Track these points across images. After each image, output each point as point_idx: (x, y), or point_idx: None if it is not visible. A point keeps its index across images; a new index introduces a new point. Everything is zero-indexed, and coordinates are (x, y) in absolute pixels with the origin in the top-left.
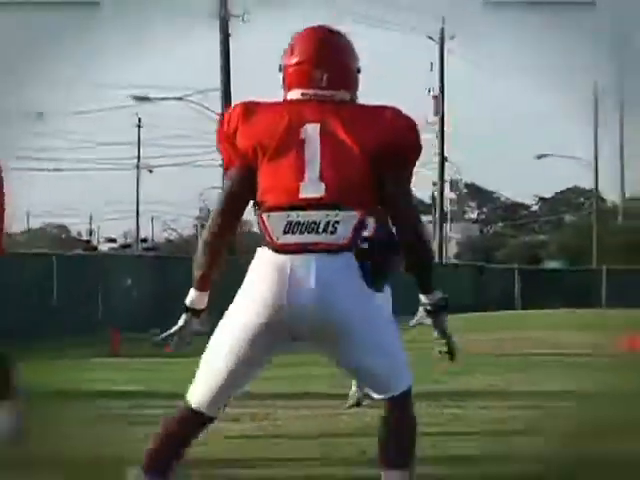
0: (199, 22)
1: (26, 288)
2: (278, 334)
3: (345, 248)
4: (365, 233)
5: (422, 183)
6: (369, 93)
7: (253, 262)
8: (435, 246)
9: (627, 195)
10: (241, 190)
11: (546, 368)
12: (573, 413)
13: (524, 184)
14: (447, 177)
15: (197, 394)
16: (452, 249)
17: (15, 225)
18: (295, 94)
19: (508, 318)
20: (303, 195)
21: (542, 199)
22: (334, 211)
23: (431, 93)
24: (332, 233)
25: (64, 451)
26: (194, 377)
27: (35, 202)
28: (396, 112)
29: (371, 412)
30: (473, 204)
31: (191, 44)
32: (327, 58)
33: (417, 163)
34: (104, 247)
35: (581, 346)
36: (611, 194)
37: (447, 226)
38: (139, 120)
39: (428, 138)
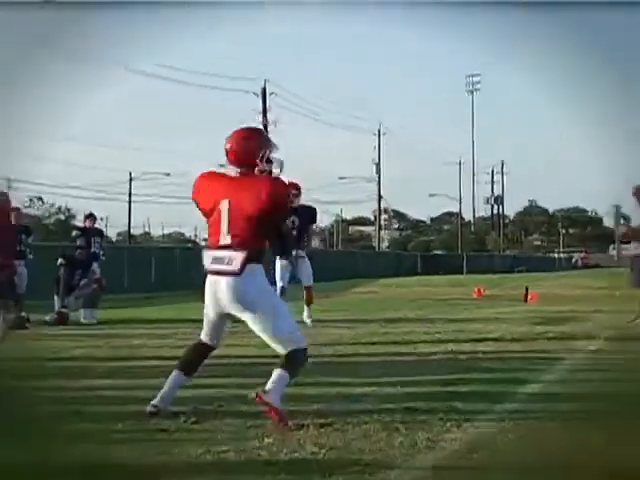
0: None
1: (162, 265)
2: (218, 315)
3: (237, 273)
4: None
5: (370, 209)
6: (340, 161)
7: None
8: (376, 242)
9: (476, 215)
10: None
11: (435, 306)
12: (451, 329)
13: (423, 210)
14: (382, 206)
15: (203, 334)
16: (385, 244)
17: (156, 232)
18: (232, 170)
19: (414, 280)
20: (221, 243)
21: (432, 218)
22: (232, 252)
23: (373, 161)
24: (229, 264)
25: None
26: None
27: (166, 219)
28: (271, 182)
29: (340, 332)
30: (396, 220)
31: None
32: (241, 150)
33: (366, 197)
34: (202, 242)
35: (453, 294)
36: (468, 214)
37: (382, 232)
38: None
39: (372, 185)
